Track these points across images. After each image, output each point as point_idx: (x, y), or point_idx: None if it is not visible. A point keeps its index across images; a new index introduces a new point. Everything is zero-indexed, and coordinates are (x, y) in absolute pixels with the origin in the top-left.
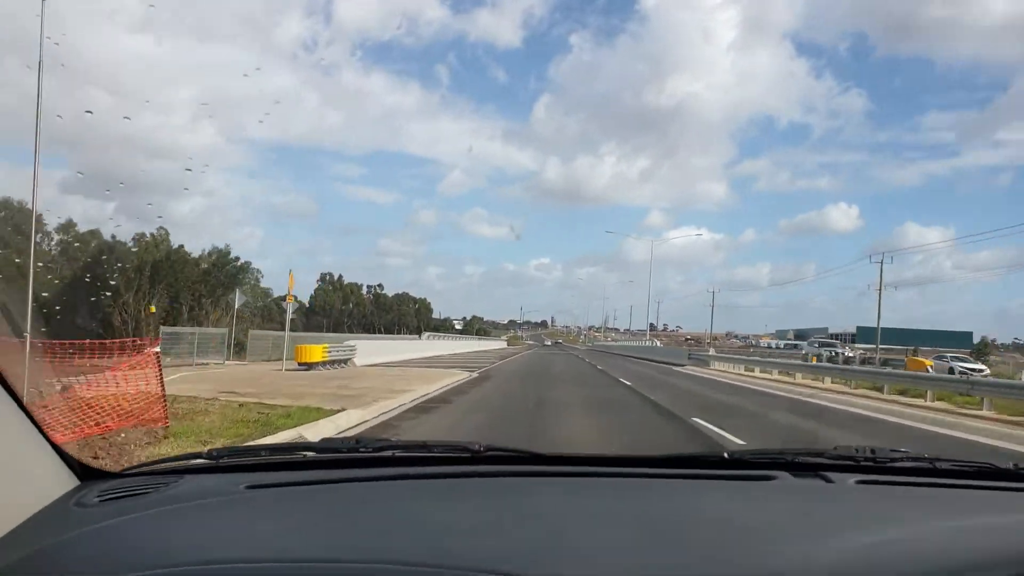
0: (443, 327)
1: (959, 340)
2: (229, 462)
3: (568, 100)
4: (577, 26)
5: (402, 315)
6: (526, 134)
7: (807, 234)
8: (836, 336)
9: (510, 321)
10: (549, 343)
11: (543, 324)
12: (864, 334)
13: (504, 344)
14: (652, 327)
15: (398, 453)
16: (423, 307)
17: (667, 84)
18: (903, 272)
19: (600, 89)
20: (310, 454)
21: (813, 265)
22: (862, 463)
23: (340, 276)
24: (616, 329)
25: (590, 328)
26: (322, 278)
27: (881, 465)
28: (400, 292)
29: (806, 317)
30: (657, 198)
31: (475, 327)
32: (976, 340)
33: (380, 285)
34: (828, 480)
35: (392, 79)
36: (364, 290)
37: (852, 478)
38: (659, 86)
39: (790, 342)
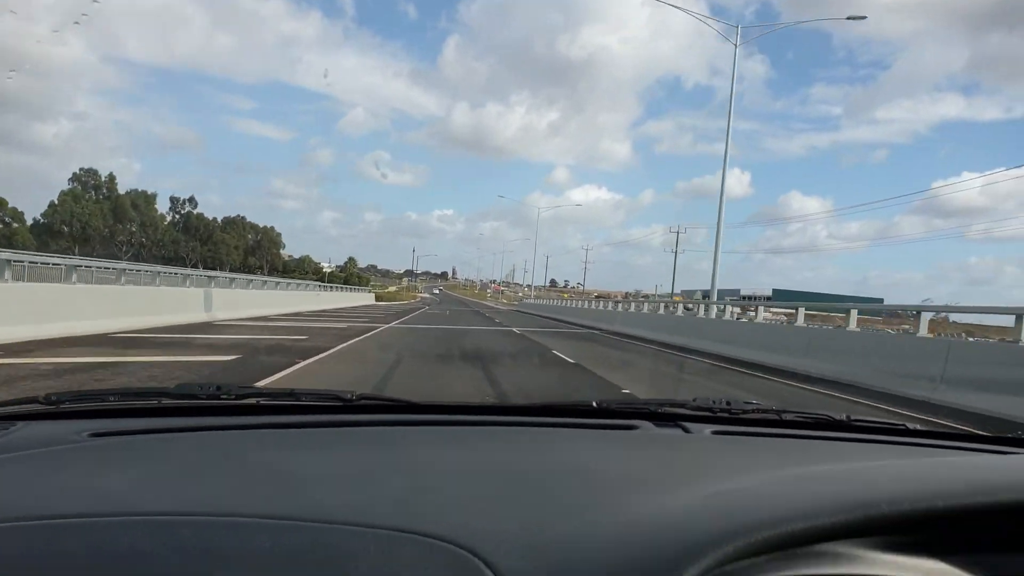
0: (299, 269)
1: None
2: (71, 407)
3: (479, 43)
4: None
5: (229, 248)
6: (434, 77)
7: (702, 197)
8: (747, 297)
9: (407, 271)
10: (437, 293)
11: (443, 275)
12: (779, 296)
13: (369, 299)
14: (553, 283)
15: (263, 401)
16: (268, 240)
17: (581, 34)
18: (783, 240)
19: (512, 35)
20: (165, 400)
21: (705, 229)
22: (718, 414)
23: (112, 177)
24: (519, 284)
25: (494, 282)
26: (76, 178)
27: (735, 416)
28: (235, 216)
29: (700, 279)
30: (563, 153)
31: (351, 272)
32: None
33: (192, 200)
34: (686, 430)
35: (290, 4)
36: (168, 207)
37: (708, 428)
38: (572, 36)
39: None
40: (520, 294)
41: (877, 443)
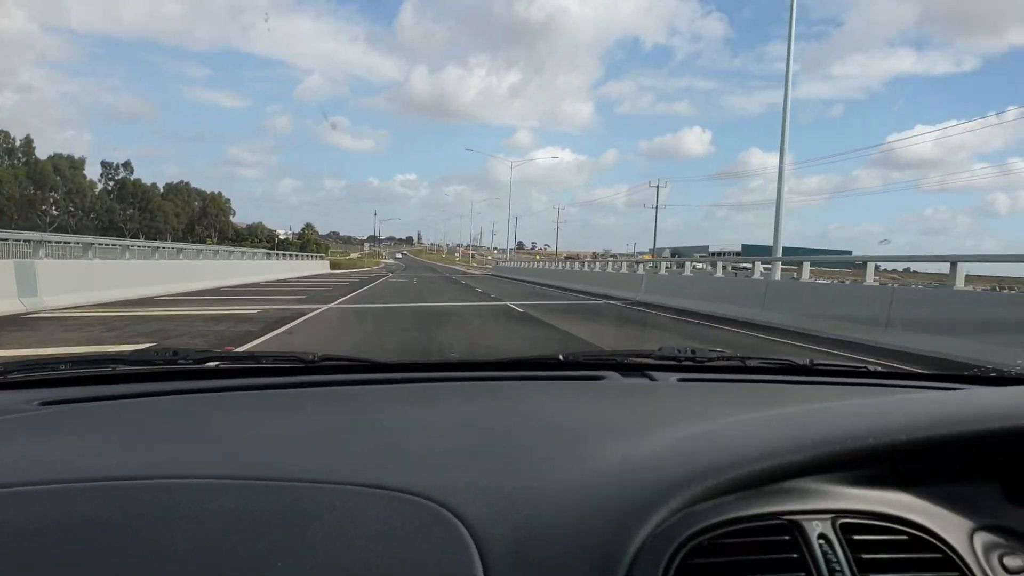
0: (252, 236)
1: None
2: (20, 377)
3: (437, 5)
4: None
5: (168, 215)
6: (391, 40)
7: (664, 157)
8: (717, 254)
9: (370, 237)
10: (400, 257)
11: (408, 240)
12: (748, 251)
13: (323, 267)
14: (520, 245)
15: (223, 365)
16: (216, 206)
17: None
18: (743, 196)
19: None
20: (120, 367)
21: (667, 189)
22: (683, 362)
23: (29, 140)
24: (487, 248)
25: (460, 246)
26: None
27: (699, 364)
28: (179, 182)
29: (666, 237)
30: (525, 116)
31: (308, 238)
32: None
33: (127, 165)
34: (652, 379)
35: None
36: (99, 173)
37: (674, 376)
38: None
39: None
40: (490, 257)
41: (839, 385)
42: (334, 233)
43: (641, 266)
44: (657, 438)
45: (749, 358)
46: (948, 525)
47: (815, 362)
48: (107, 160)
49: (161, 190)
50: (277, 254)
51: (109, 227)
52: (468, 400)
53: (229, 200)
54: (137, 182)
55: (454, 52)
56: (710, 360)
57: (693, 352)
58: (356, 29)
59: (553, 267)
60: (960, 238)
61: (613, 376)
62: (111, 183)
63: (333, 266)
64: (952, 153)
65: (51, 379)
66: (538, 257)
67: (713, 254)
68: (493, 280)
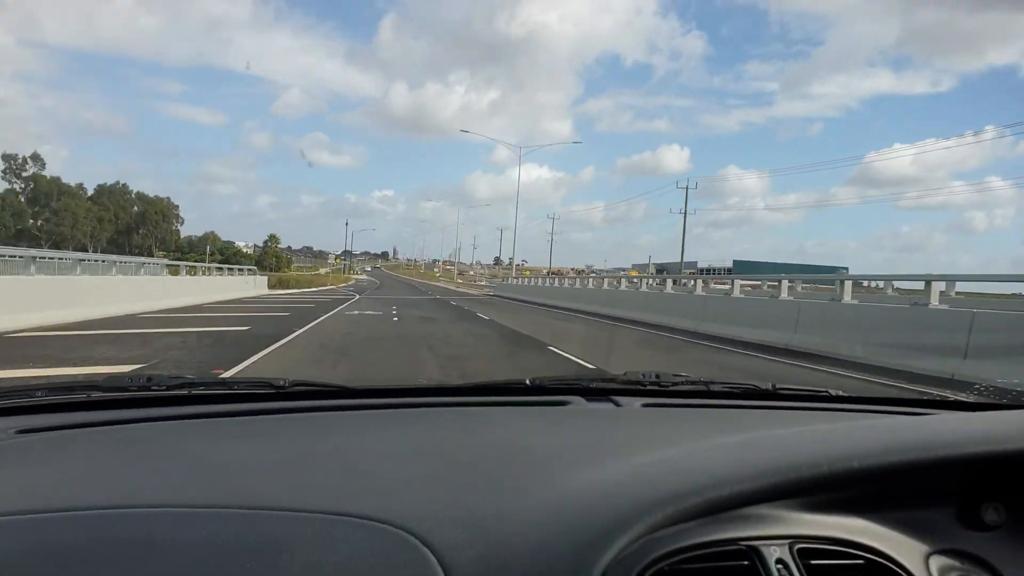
0: (196, 249)
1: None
2: None
3: (416, 22)
4: None
5: (77, 219)
6: (370, 56)
7: (642, 174)
8: (705, 271)
9: (344, 252)
10: (369, 271)
11: (384, 256)
12: (740, 268)
13: (247, 289)
14: (497, 261)
15: (195, 391)
16: (159, 212)
17: (519, 12)
18: (720, 214)
19: (450, 13)
20: (95, 394)
21: (644, 204)
22: (648, 387)
23: None
24: (463, 263)
25: (440, 261)
26: None
27: (664, 389)
28: (115, 184)
29: (640, 252)
30: (504, 133)
31: (271, 251)
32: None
33: (36, 158)
34: (618, 404)
35: None
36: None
37: (639, 401)
38: (511, 13)
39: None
40: (472, 272)
41: (803, 410)
42: (308, 248)
43: (700, 287)
44: (621, 464)
45: (713, 382)
46: (904, 549)
47: (778, 387)
48: (8, 153)
49: (90, 192)
50: (188, 266)
51: (17, 235)
52: (436, 426)
53: (177, 206)
54: (55, 181)
55: (433, 68)
56: (674, 384)
57: (657, 376)
58: (335, 45)
59: (578, 286)
60: (933, 255)
61: (578, 401)
62: (19, 182)
63: (277, 284)
64: (930, 171)
65: (28, 406)
66: (527, 273)
67: (702, 271)
68: (510, 306)
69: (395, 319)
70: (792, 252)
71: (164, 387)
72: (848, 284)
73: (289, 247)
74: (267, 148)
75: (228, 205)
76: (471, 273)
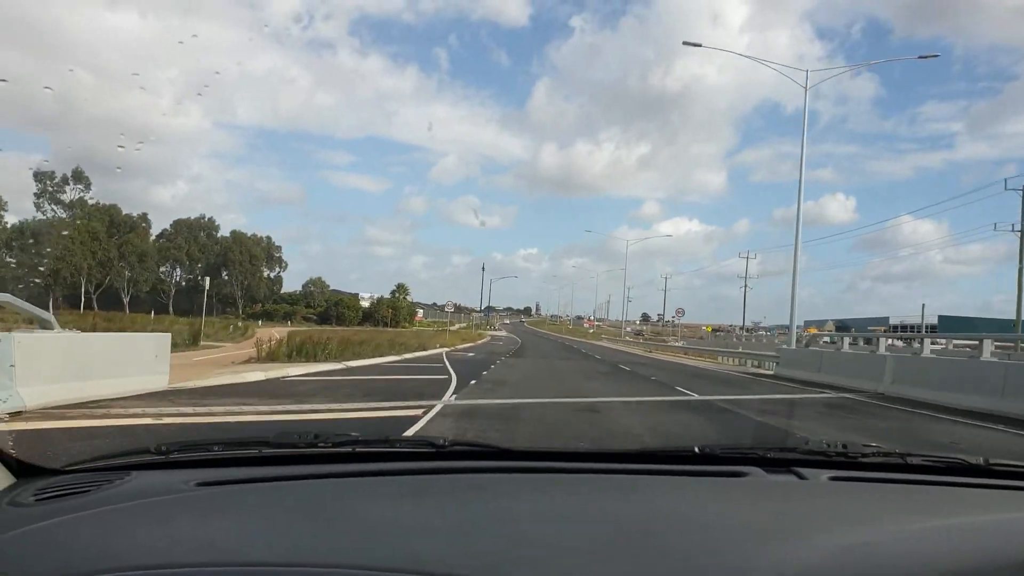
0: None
1: None
2: (179, 457)
3: (569, 84)
4: (578, 8)
5: (127, 256)
6: (523, 120)
7: (803, 225)
8: (898, 328)
9: (487, 308)
10: (508, 324)
11: (527, 311)
12: (948, 324)
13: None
14: (646, 317)
15: (359, 448)
16: (242, 249)
17: (675, 66)
18: (893, 266)
19: (603, 73)
20: (266, 450)
21: (804, 257)
22: (834, 458)
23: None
24: (608, 319)
25: (585, 317)
26: None
27: (853, 460)
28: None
29: (801, 308)
30: (652, 188)
31: (398, 303)
32: None
33: (80, 176)
34: (801, 476)
35: (388, 61)
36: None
37: (825, 474)
38: (666, 68)
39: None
40: (628, 329)
41: (1019, 490)
42: (453, 303)
43: (884, 347)
44: (813, 544)
45: (910, 454)
46: None
47: (991, 461)
48: (40, 170)
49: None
50: None
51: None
52: (599, 493)
53: (280, 247)
54: (112, 208)
55: (584, 128)
56: (864, 456)
57: (844, 447)
58: (490, 112)
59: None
60: None
61: (756, 472)
62: (57, 207)
63: (296, 350)
64: None
65: (206, 459)
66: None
67: (895, 328)
68: None
69: None
70: (977, 307)
71: (330, 444)
72: None
73: (435, 303)
74: (421, 211)
75: (385, 265)
76: (627, 329)
